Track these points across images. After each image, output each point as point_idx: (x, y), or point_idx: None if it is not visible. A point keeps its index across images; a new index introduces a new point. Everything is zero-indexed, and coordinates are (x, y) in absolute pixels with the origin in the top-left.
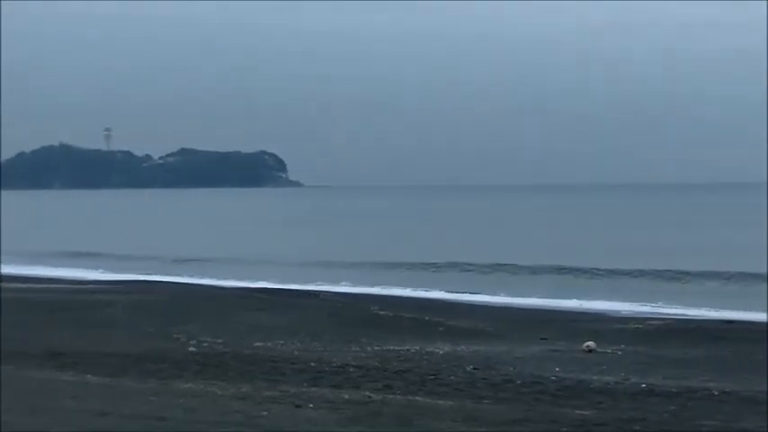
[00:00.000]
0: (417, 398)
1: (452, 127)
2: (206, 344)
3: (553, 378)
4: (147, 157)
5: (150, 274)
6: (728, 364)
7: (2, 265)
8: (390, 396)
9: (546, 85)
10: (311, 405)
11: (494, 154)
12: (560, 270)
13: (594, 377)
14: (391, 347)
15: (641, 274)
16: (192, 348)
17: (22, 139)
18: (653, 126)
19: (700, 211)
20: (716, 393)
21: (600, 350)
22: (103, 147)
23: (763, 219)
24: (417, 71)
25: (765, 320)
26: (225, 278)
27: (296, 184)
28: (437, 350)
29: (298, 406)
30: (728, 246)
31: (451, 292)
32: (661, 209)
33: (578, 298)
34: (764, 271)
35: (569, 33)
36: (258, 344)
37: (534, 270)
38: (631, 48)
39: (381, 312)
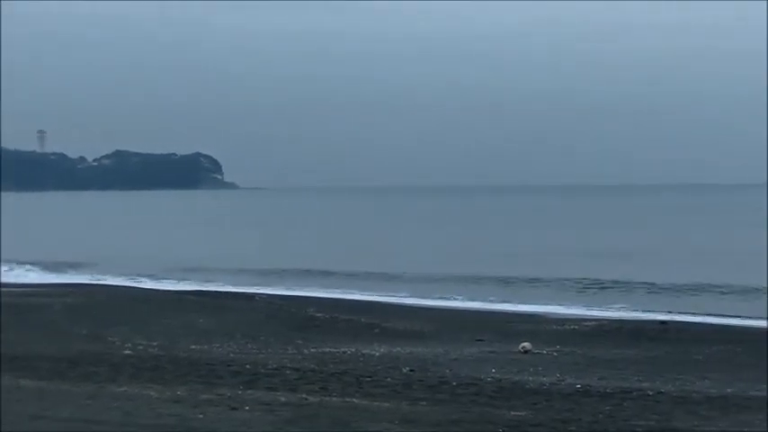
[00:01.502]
0: (354, 400)
1: (400, 127)
2: (141, 347)
3: (489, 379)
4: (82, 159)
5: (84, 276)
6: (663, 365)
7: None
8: (327, 398)
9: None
10: (247, 407)
11: (448, 155)
12: (496, 271)
13: (530, 378)
14: (327, 349)
15: (578, 277)
16: (127, 351)
17: None
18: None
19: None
20: (650, 393)
21: (536, 351)
22: (37, 148)
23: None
24: (362, 70)
25: (699, 321)
26: (160, 281)
27: (231, 185)
28: (373, 352)
29: (234, 408)
30: (678, 249)
31: (388, 294)
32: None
33: (514, 300)
34: (704, 275)
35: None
36: (194, 346)
37: (471, 272)
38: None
39: (317, 314)
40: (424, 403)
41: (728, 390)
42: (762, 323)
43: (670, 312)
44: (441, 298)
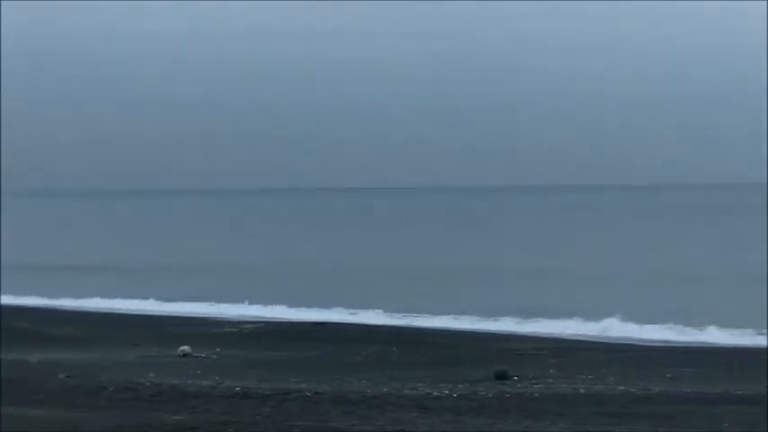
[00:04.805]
0: (10, 408)
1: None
2: None
3: (148, 384)
4: None
5: None
6: (320, 366)
7: None
8: None
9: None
10: None
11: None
12: (156, 271)
13: (189, 381)
14: None
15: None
16: None
17: None
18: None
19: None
20: (308, 394)
21: (195, 354)
22: None
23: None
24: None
25: (355, 322)
26: None
27: None
28: (29, 358)
29: None
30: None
31: (43, 297)
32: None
33: (176, 300)
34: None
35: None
36: None
37: (136, 271)
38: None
39: None
40: (83, 410)
41: (384, 389)
42: (406, 322)
43: (328, 311)
44: (97, 298)
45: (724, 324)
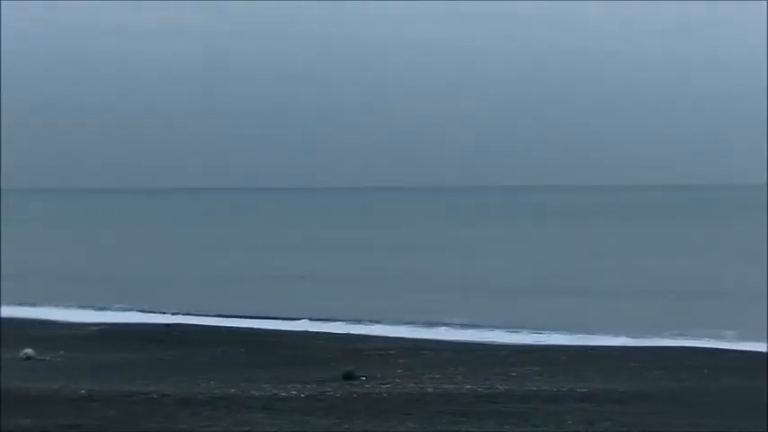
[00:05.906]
0: None
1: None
2: None
3: None
4: None
5: None
6: (167, 368)
7: None
8: None
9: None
10: None
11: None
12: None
13: (33, 385)
14: None
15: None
16: None
17: None
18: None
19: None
20: (155, 396)
21: (39, 357)
22: None
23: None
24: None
25: (203, 324)
26: None
27: None
28: None
29: None
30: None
31: None
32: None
33: (16, 303)
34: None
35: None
36: None
37: None
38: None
39: None
40: None
41: (232, 390)
42: (253, 324)
43: (176, 314)
44: None
45: (574, 328)
